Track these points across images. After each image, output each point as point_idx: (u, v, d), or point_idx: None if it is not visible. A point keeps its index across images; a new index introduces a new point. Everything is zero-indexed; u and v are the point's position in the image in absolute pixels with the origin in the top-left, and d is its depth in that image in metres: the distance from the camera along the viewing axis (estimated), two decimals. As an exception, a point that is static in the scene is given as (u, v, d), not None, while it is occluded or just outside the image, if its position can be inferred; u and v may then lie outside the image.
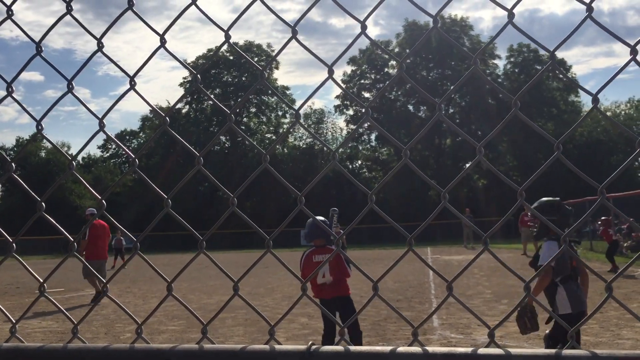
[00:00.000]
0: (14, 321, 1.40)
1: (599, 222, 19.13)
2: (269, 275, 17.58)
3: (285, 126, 56.43)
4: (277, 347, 1.19)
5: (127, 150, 1.74)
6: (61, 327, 9.17)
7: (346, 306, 5.35)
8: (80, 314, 10.27)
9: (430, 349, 1.06)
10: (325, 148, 56.60)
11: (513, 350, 1.01)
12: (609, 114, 50.20)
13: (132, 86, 1.46)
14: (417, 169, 1.25)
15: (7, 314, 1.48)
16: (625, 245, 20.60)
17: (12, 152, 55.67)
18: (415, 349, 1.08)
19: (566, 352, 1.01)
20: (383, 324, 8.17)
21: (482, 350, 1.03)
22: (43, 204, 1.45)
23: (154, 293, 13.50)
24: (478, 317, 1.20)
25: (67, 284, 15.00)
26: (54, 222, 1.41)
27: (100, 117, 1.48)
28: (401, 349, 1.07)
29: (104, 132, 1.50)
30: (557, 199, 4.75)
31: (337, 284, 5.43)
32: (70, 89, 1.50)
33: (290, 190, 1.38)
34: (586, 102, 50.44)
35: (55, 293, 14.05)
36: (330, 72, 1.32)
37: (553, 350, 1.00)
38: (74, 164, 1.46)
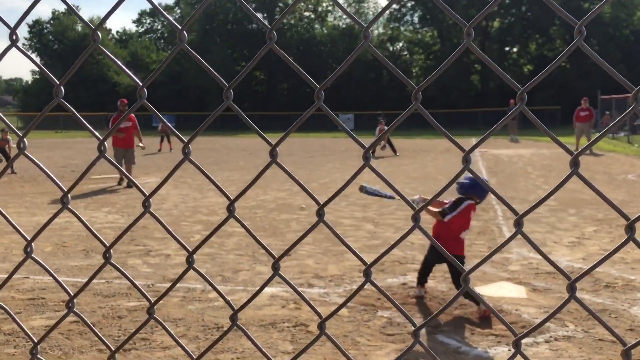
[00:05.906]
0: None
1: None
2: (317, 167, 17.49)
3: (324, 4, 54.15)
4: None
5: (172, 21, 1.46)
6: (127, 221, 9.26)
7: (452, 265, 4.74)
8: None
9: None
10: (356, 25, 54.64)
11: None
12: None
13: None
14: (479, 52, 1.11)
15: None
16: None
17: (48, 25, 55.01)
18: None
19: None
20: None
21: None
22: (62, 88, 1.36)
23: (209, 185, 13.53)
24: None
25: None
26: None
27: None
28: None
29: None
30: None
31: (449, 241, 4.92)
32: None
33: (310, 84, 1.19)
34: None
35: (113, 179, 14.22)
36: None
37: None
38: (99, 34, 1.28)
